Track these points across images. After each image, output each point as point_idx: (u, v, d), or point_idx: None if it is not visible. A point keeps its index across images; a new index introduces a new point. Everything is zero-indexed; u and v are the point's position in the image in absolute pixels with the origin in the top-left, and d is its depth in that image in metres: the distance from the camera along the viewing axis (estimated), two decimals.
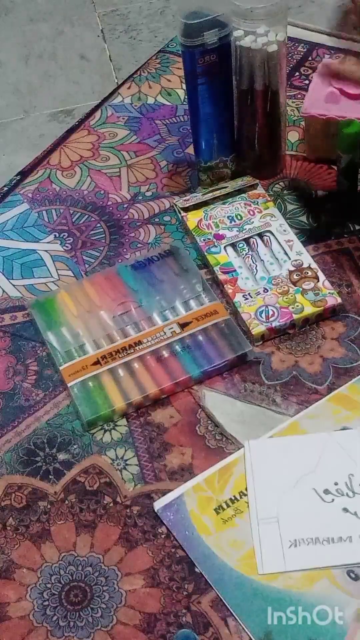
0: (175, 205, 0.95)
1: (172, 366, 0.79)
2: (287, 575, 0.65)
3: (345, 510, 0.68)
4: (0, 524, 0.71)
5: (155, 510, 0.70)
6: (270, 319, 0.81)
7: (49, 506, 0.72)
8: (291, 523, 0.68)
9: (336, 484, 0.70)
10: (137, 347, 0.80)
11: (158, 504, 0.71)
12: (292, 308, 0.82)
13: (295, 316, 0.81)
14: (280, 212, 0.92)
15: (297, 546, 0.67)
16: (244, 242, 0.89)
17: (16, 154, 1.09)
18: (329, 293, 0.83)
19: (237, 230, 0.90)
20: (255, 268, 0.86)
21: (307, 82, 1.08)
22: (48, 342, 0.82)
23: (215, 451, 0.74)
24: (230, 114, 0.92)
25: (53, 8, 1.34)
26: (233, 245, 0.89)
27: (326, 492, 0.69)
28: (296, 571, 0.65)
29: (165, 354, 0.80)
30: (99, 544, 0.69)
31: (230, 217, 0.91)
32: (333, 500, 0.69)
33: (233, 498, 0.70)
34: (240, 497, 0.70)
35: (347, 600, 0.63)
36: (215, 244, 0.89)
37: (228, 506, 0.70)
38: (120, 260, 0.92)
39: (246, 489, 0.70)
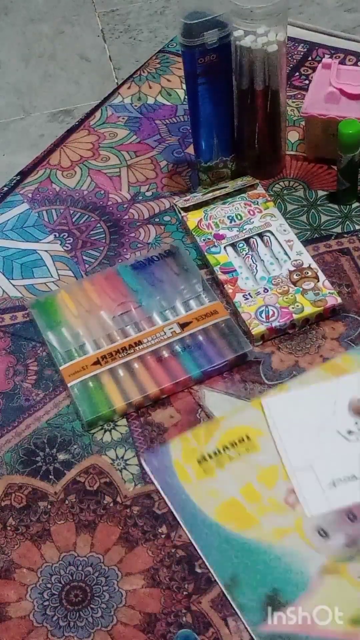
0: (175, 205, 0.95)
1: (172, 366, 0.79)
2: (258, 527, 0.68)
3: None
4: (0, 524, 0.71)
5: (142, 460, 0.73)
6: (270, 319, 0.81)
7: (49, 506, 0.72)
8: (325, 466, 0.71)
9: (357, 423, 0.73)
10: (137, 347, 0.80)
11: (146, 455, 0.73)
12: (292, 308, 0.82)
13: (295, 316, 0.81)
14: (280, 212, 0.92)
15: (336, 486, 0.69)
16: (244, 242, 0.89)
17: (16, 154, 1.09)
18: (329, 293, 0.83)
19: (237, 230, 0.90)
20: (255, 268, 0.86)
21: (307, 82, 1.08)
22: (48, 342, 0.82)
23: None
24: (230, 114, 0.92)
25: (53, 8, 1.34)
26: (233, 245, 0.89)
27: (349, 432, 0.72)
28: (341, 508, 0.68)
29: (166, 354, 0.80)
30: (99, 544, 0.69)
31: (230, 217, 0.91)
32: (358, 439, 0.72)
33: (217, 451, 0.73)
34: (224, 451, 0.73)
35: (314, 555, 0.66)
36: (215, 244, 0.89)
37: (211, 458, 0.72)
38: (120, 260, 0.92)
39: (230, 444, 0.73)
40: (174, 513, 0.69)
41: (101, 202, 0.99)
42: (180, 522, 0.69)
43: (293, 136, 1.02)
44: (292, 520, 0.68)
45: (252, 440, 0.73)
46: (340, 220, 0.92)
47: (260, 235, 0.89)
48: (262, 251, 0.88)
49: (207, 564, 0.66)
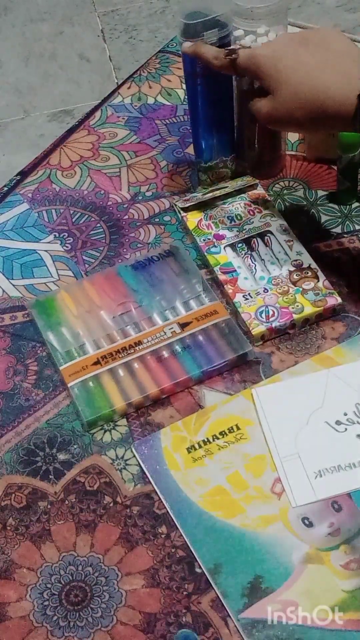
0: (175, 205, 0.95)
1: (172, 366, 0.79)
2: (244, 515, 0.68)
3: (359, 436, 0.72)
4: (0, 524, 0.71)
5: (132, 447, 0.73)
6: (270, 319, 0.81)
7: (49, 506, 0.72)
8: (312, 456, 0.71)
9: (345, 414, 0.74)
10: (137, 347, 0.80)
11: (136, 442, 0.74)
12: (292, 308, 0.82)
13: (295, 316, 0.81)
14: (280, 212, 0.92)
15: (322, 476, 0.70)
16: (243, 242, 0.89)
17: (16, 154, 1.09)
18: (329, 293, 0.83)
19: (237, 231, 0.90)
20: (255, 268, 0.86)
21: None
22: (48, 342, 0.82)
23: None
24: (230, 114, 0.92)
25: (53, 8, 1.35)
26: (233, 245, 0.89)
27: (338, 423, 0.73)
28: (326, 499, 0.68)
29: (166, 354, 0.80)
30: (99, 544, 0.69)
31: (230, 217, 0.91)
32: (346, 429, 0.73)
33: (206, 440, 0.74)
34: (213, 440, 0.73)
35: (298, 544, 0.67)
36: (215, 244, 0.89)
37: (200, 447, 0.73)
38: (120, 260, 0.92)
39: (220, 434, 0.74)
40: (161, 498, 0.70)
41: (101, 202, 0.99)
42: (167, 508, 0.70)
43: (293, 136, 1.02)
44: (278, 509, 0.69)
45: (242, 429, 0.74)
46: (340, 220, 0.92)
47: (261, 235, 0.89)
48: (263, 251, 0.88)
49: (191, 549, 0.67)
